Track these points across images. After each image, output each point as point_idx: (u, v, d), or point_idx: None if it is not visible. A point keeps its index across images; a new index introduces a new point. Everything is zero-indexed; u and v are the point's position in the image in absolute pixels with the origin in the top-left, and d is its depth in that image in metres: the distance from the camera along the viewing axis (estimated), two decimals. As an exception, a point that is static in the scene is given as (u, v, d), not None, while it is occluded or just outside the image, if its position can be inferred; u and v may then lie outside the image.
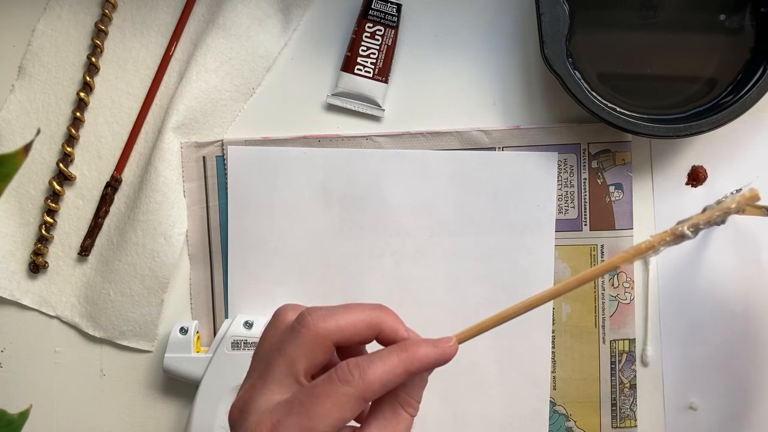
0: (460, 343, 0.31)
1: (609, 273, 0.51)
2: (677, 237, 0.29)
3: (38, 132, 0.49)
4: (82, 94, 0.51)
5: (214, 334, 0.52)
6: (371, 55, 0.51)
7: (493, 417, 0.51)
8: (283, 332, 0.31)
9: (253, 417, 0.29)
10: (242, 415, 0.30)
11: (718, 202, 0.30)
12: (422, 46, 0.52)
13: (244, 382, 0.32)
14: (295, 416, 0.28)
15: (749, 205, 0.28)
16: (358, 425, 0.31)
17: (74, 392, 0.52)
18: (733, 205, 0.28)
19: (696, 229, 0.29)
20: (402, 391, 0.31)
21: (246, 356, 0.49)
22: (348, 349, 0.33)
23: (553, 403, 0.51)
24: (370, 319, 0.31)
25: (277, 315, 0.33)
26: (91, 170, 0.52)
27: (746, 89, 0.47)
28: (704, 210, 0.29)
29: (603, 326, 0.51)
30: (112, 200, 0.52)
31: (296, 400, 0.29)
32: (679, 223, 0.29)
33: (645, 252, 0.30)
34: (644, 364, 0.52)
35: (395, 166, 0.51)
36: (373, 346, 0.32)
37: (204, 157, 0.52)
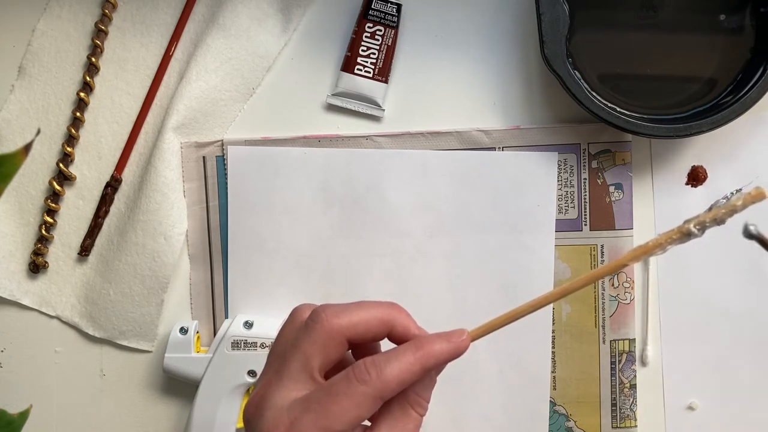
0: (471, 341, 0.32)
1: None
2: (684, 235, 0.29)
3: (38, 132, 0.49)
4: (82, 94, 0.51)
5: (214, 334, 0.52)
6: (371, 55, 0.51)
7: (493, 417, 0.51)
8: (298, 329, 0.31)
9: (270, 414, 0.29)
10: (258, 411, 0.30)
11: (717, 204, 0.30)
12: (422, 46, 0.52)
13: (260, 378, 0.32)
14: (312, 414, 0.28)
15: (755, 203, 0.28)
16: (369, 424, 0.31)
17: (74, 392, 0.52)
18: (740, 203, 0.28)
19: (703, 227, 0.29)
20: (411, 391, 0.31)
21: (246, 356, 0.49)
22: (361, 345, 0.33)
23: (553, 403, 0.51)
24: (383, 316, 0.31)
25: (294, 313, 0.33)
26: (91, 170, 0.52)
27: (746, 89, 0.47)
28: (710, 208, 0.30)
29: (603, 326, 0.51)
30: (112, 200, 0.52)
31: (313, 398, 0.29)
32: (686, 221, 0.30)
33: (653, 250, 0.30)
34: (644, 364, 0.52)
35: (395, 166, 0.51)
36: (384, 344, 0.32)
37: (204, 157, 0.52)
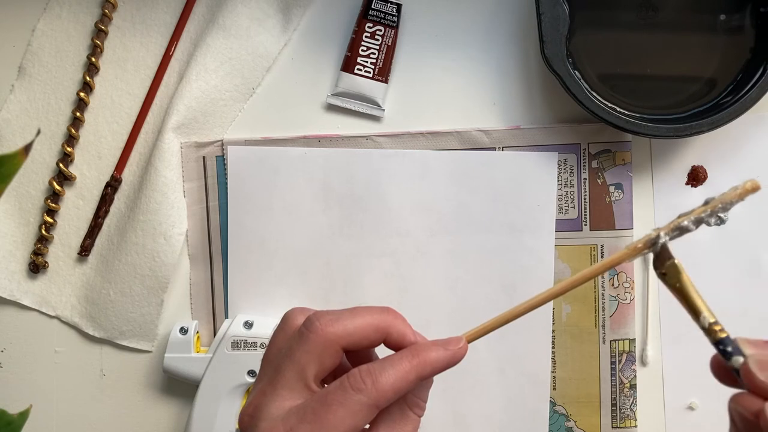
0: (468, 342, 0.31)
1: (610, 272, 0.51)
2: (680, 230, 0.29)
3: (38, 132, 0.49)
4: (82, 94, 0.51)
5: (214, 334, 0.52)
6: (371, 55, 0.51)
7: (493, 417, 0.51)
8: (292, 337, 0.31)
9: (265, 424, 0.29)
10: (253, 421, 0.30)
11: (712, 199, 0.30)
12: (422, 46, 0.52)
13: (254, 386, 0.31)
14: (307, 424, 0.28)
15: (749, 195, 0.28)
16: (367, 426, 0.31)
17: (74, 392, 0.52)
18: (735, 198, 0.28)
19: (698, 222, 0.29)
20: (410, 393, 0.31)
21: (246, 356, 0.49)
22: (356, 351, 0.33)
23: (553, 403, 0.51)
24: (378, 323, 0.31)
25: (286, 319, 0.32)
26: (91, 170, 0.52)
27: (746, 89, 0.47)
28: (706, 202, 0.30)
29: (603, 326, 0.51)
30: (112, 200, 0.52)
31: (309, 408, 0.28)
32: (680, 215, 0.30)
33: (646, 247, 0.30)
34: (644, 364, 0.52)
35: (395, 166, 0.51)
36: (380, 349, 0.32)
37: (204, 157, 0.52)
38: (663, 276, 0.30)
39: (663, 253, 0.29)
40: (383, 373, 0.29)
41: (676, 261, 0.29)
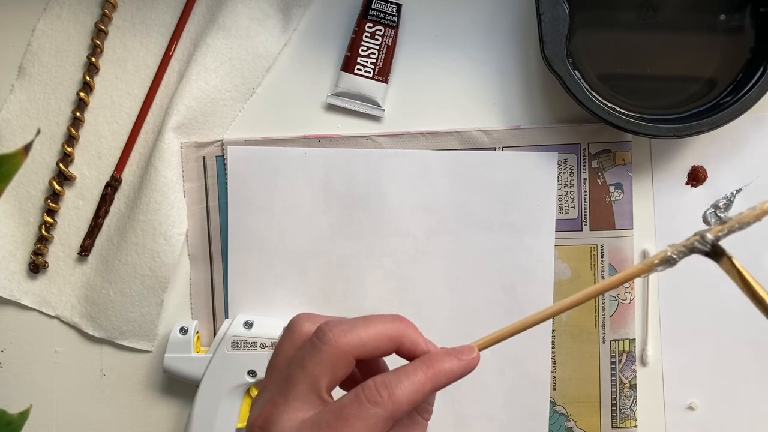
0: (479, 351, 0.32)
1: (610, 272, 0.51)
2: (693, 249, 0.30)
3: (38, 132, 0.49)
4: (82, 94, 0.51)
5: (214, 334, 0.52)
6: (371, 55, 0.51)
7: (493, 417, 0.51)
8: (302, 346, 0.30)
9: None
10: None
11: (717, 204, 0.30)
12: (422, 46, 0.52)
13: (261, 394, 0.31)
14: None
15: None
16: None
17: (74, 392, 0.52)
18: (752, 219, 0.29)
19: (716, 240, 0.30)
20: None
21: (246, 356, 0.49)
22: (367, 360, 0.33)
23: (553, 403, 0.51)
24: (391, 333, 0.30)
25: (293, 326, 0.32)
26: (91, 170, 0.52)
27: (746, 89, 0.47)
28: (712, 206, 0.30)
29: (603, 326, 0.51)
30: (112, 200, 0.52)
31: (323, 421, 0.28)
32: (696, 233, 0.30)
33: (661, 263, 0.30)
34: (644, 364, 0.52)
35: (395, 166, 0.51)
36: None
37: (204, 157, 0.52)
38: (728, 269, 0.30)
39: (718, 251, 0.30)
40: (399, 385, 0.29)
41: (731, 258, 0.30)
